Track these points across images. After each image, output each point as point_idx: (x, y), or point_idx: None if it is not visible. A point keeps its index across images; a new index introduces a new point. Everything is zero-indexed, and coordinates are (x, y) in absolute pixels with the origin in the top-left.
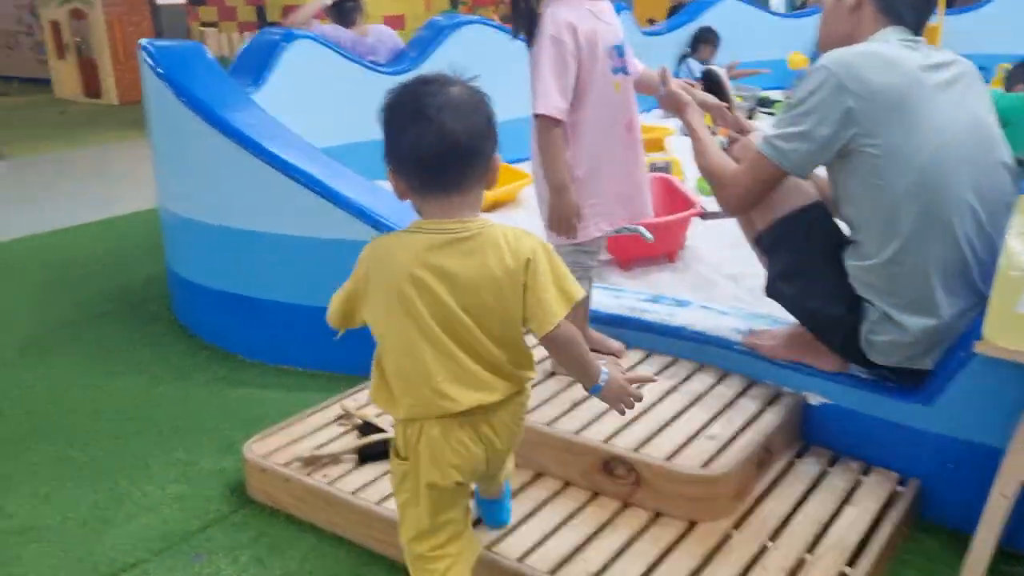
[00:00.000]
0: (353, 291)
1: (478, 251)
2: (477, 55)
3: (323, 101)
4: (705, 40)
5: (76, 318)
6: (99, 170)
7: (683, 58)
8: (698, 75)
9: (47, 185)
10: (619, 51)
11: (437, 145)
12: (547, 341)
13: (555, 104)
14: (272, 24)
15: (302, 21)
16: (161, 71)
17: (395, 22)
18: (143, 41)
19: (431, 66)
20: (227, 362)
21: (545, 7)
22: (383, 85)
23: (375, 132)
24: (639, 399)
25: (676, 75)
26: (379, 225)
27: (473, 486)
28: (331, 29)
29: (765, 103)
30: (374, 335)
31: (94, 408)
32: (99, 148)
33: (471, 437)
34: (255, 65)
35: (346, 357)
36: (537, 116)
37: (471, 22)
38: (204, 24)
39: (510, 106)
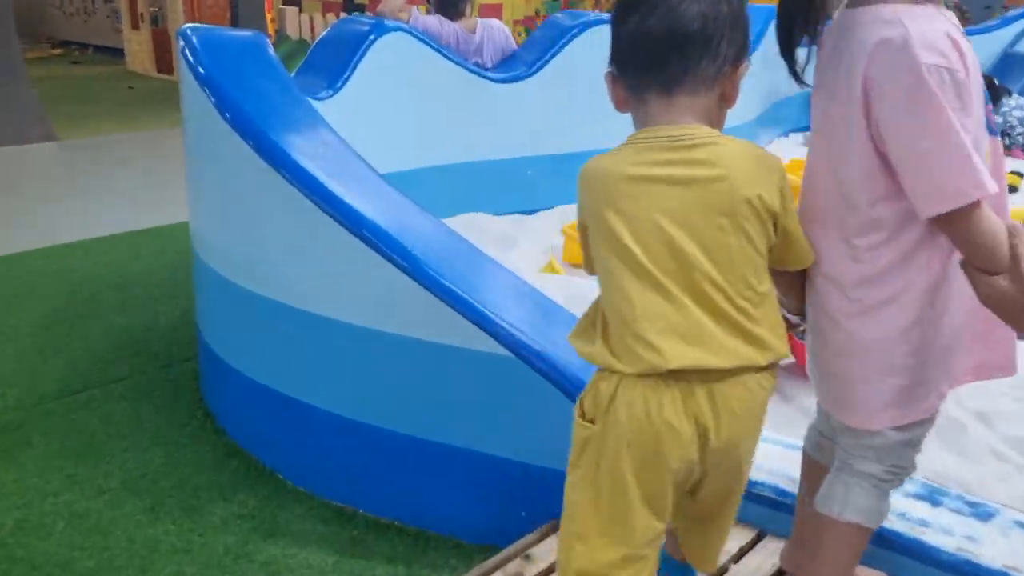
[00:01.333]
0: (580, 221)
1: (709, 162)
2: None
3: (416, 111)
4: None
5: (76, 383)
6: (158, 161)
7: None
8: None
9: (96, 175)
10: (987, 97)
11: (663, 26)
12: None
13: (984, 177)
14: (358, 8)
15: (395, 7)
16: (202, 71)
17: (492, 12)
18: (185, 27)
19: (552, 75)
20: (262, 485)
21: (886, 15)
22: (489, 95)
23: (479, 151)
24: None
25: None
26: (495, 331)
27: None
28: (435, 21)
29: None
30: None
31: (60, 560)
32: (162, 132)
33: (678, 410)
34: (334, 62)
35: (425, 506)
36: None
37: (601, 22)
38: (285, 2)
39: None
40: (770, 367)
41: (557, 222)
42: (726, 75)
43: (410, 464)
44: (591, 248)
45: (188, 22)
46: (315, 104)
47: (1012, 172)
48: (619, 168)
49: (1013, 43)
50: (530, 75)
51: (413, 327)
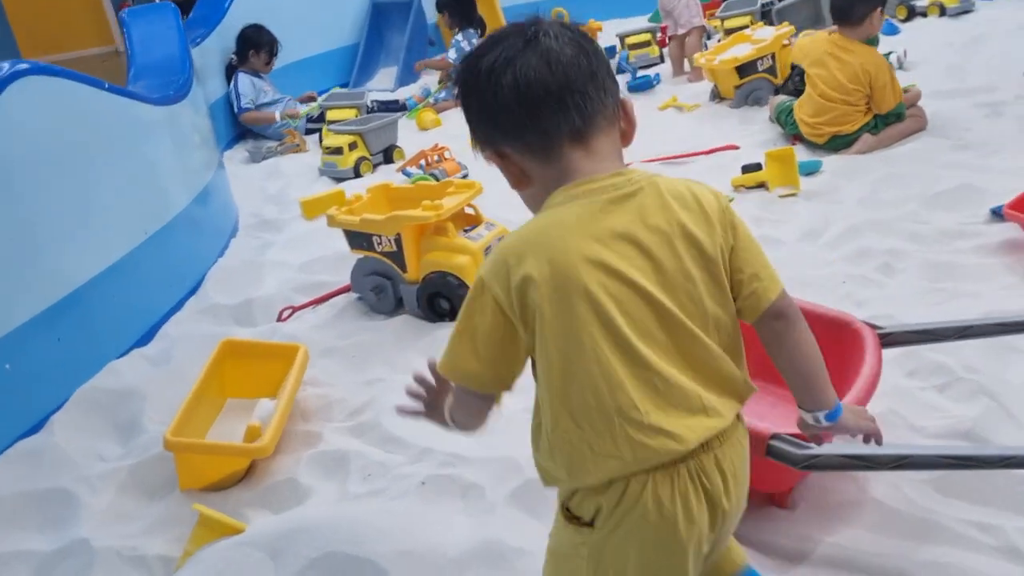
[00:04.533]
0: (494, 318)
1: (658, 205)
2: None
3: None
4: (255, 44)
5: None
6: None
7: (231, 71)
8: (244, 103)
9: None
10: None
11: (548, 70)
12: (775, 316)
13: None
14: None
15: None
16: None
17: None
18: None
19: None
20: None
21: None
22: None
23: None
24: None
25: (233, 106)
26: None
27: None
28: None
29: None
30: (534, 373)
31: None
32: None
33: (693, 494)
34: None
35: None
36: None
37: (26, 72)
38: None
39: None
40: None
41: (102, 431)
42: (619, 107)
43: None
44: (540, 344)
45: None
46: None
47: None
48: (577, 228)
49: None
50: None
51: None
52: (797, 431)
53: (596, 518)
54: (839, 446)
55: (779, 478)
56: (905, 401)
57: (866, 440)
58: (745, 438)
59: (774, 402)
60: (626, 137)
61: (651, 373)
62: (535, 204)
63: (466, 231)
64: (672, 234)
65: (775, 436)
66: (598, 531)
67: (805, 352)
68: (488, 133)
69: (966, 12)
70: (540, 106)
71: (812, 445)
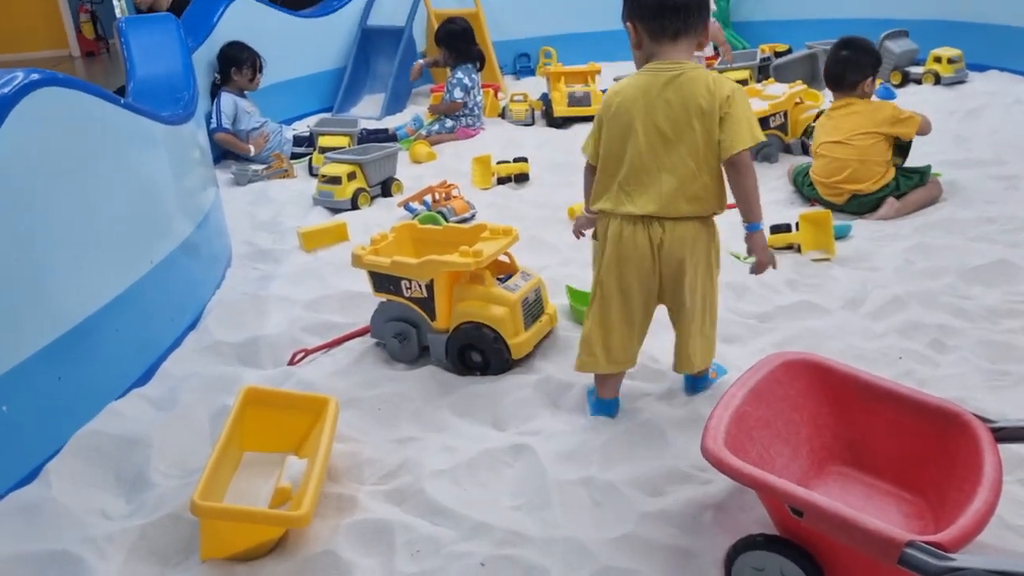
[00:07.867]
0: (597, 124)
1: (688, 85)
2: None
3: None
4: (236, 62)
5: None
6: None
7: (215, 90)
8: (224, 122)
9: None
10: None
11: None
12: (730, 162)
13: None
14: None
15: None
16: None
17: None
18: None
19: None
20: None
21: None
22: None
23: None
24: (775, 266)
25: (210, 123)
26: None
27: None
28: None
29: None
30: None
31: None
32: None
33: (642, 234)
34: None
35: None
36: None
37: (40, 84)
38: None
39: None
40: (707, 217)
41: (104, 484)
42: (703, 30)
43: None
44: (601, 138)
45: None
46: None
47: (518, 159)
48: (640, 87)
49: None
50: None
51: None
52: (934, 538)
53: (600, 236)
54: (991, 560)
55: None
56: None
57: (758, 271)
58: (704, 228)
59: (867, 493)
60: (700, 46)
61: (643, 172)
62: (639, 61)
63: (501, 280)
64: (689, 104)
65: (911, 544)
66: (600, 242)
67: (746, 191)
68: (632, 11)
69: (960, 82)
70: (665, 12)
71: (954, 556)
